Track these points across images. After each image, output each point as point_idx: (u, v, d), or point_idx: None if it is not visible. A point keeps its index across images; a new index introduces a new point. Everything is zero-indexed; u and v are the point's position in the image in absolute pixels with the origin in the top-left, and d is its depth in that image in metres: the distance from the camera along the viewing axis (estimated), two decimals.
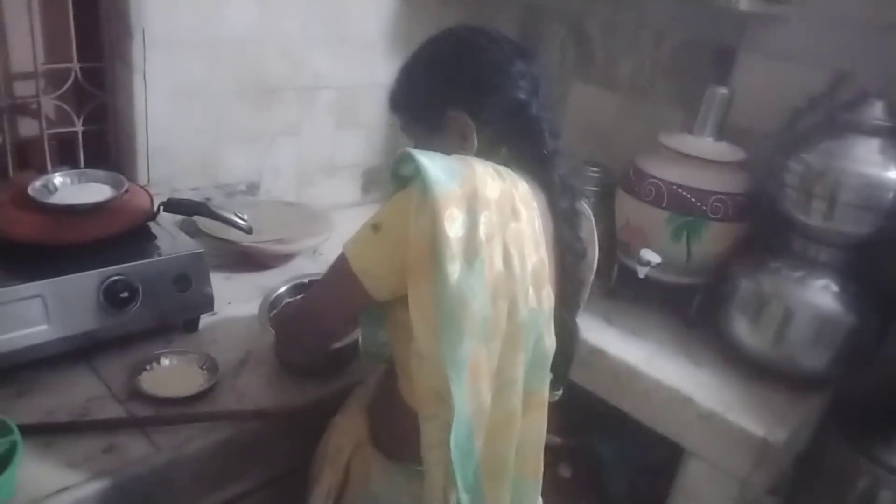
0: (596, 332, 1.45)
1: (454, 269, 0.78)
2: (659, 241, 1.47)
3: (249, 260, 1.50)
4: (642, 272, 1.44)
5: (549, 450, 0.96)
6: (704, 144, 1.50)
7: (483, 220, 0.80)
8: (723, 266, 1.47)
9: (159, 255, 1.19)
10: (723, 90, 1.49)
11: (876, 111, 1.29)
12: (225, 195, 1.66)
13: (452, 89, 0.92)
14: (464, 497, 0.83)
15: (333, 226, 1.61)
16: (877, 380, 1.39)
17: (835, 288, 1.31)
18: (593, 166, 1.70)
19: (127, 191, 1.25)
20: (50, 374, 1.08)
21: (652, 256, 1.43)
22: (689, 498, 1.33)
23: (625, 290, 1.55)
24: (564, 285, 0.94)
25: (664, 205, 1.45)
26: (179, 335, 1.24)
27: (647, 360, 1.38)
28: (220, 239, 1.42)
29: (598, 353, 1.40)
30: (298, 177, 1.81)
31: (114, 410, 1.04)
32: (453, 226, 0.78)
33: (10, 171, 1.42)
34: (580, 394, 1.39)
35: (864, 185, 1.25)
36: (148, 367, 1.13)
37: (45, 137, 1.44)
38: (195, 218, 1.39)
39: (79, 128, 1.48)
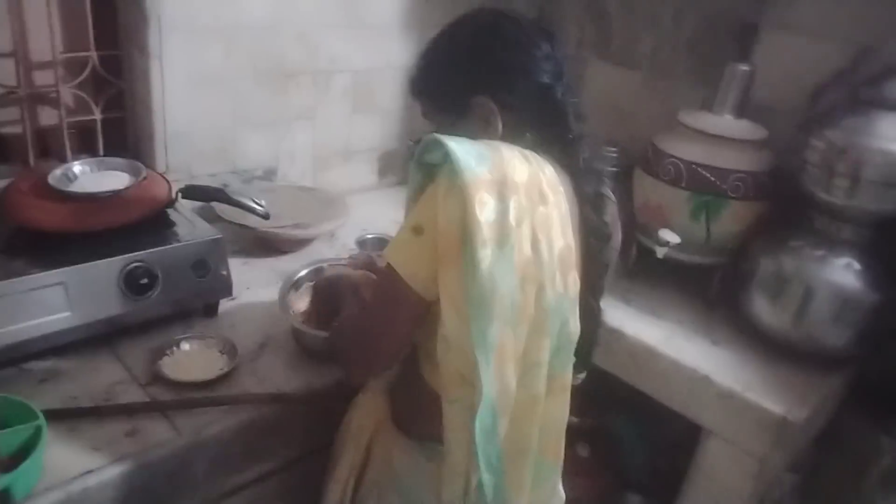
0: (614, 313, 1.44)
1: (486, 255, 0.78)
2: (678, 221, 1.45)
3: (267, 245, 1.51)
4: (661, 252, 1.43)
5: (568, 429, 0.96)
6: (725, 122, 1.47)
7: (513, 204, 0.80)
8: (743, 245, 1.45)
9: (178, 241, 1.20)
10: (744, 67, 1.46)
11: None
12: (242, 181, 1.67)
13: (476, 74, 0.91)
14: (486, 477, 0.84)
15: (349, 210, 1.62)
16: None
17: (857, 266, 1.29)
18: (611, 146, 1.68)
19: (145, 178, 1.26)
20: (73, 360, 1.10)
21: (671, 236, 1.42)
22: (708, 477, 1.33)
23: (643, 270, 1.54)
24: (589, 269, 0.94)
25: (683, 184, 1.43)
26: (199, 320, 1.25)
27: (666, 340, 1.38)
28: (238, 224, 1.43)
29: (616, 334, 1.39)
30: (314, 161, 1.81)
31: (136, 395, 1.06)
32: (484, 211, 0.78)
33: (30, 160, 1.44)
34: (598, 374, 1.38)
35: (888, 162, 1.23)
36: (168, 352, 1.14)
37: (65, 126, 1.46)
38: (213, 204, 1.40)
39: (97, 116, 1.50)
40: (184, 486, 1.01)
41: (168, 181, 1.31)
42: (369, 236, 1.51)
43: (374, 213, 1.75)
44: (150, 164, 1.50)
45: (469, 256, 0.78)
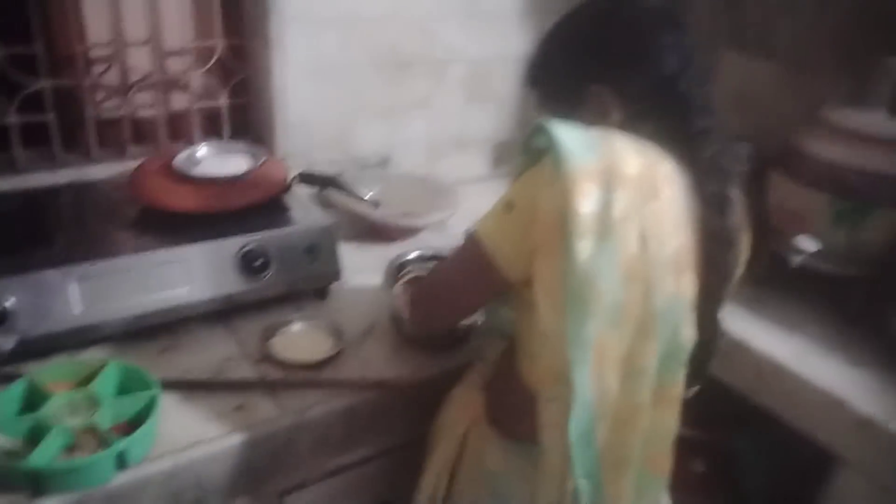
0: (740, 323, 1.33)
1: (584, 247, 0.74)
2: (817, 228, 1.32)
3: (377, 232, 1.52)
4: (796, 261, 1.32)
5: (682, 442, 0.90)
6: (877, 121, 1.33)
7: (619, 197, 0.75)
8: (890, 257, 1.31)
9: (292, 225, 1.23)
10: None
11: None
12: (357, 168, 1.69)
13: (595, 63, 0.86)
14: (582, 482, 0.80)
15: (460, 200, 1.59)
16: None
17: None
18: (742, 143, 1.56)
19: (264, 163, 1.29)
20: (190, 334, 1.14)
21: (808, 244, 1.30)
22: None
23: (775, 279, 1.42)
24: (709, 275, 0.86)
25: (825, 188, 1.30)
26: (309, 302, 1.27)
27: (797, 357, 1.26)
28: (350, 211, 1.45)
29: (740, 345, 1.29)
30: (429, 150, 1.81)
31: (246, 371, 1.09)
32: (586, 201, 0.74)
33: (162, 142, 1.52)
34: (719, 386, 1.29)
35: None
36: (279, 332, 1.17)
37: (194, 110, 1.53)
38: (327, 190, 1.42)
39: (223, 102, 1.56)
40: (285, 464, 1.03)
41: (285, 167, 1.34)
42: None
43: (486, 204, 1.69)
44: (270, 150, 1.55)
45: (567, 248, 0.74)
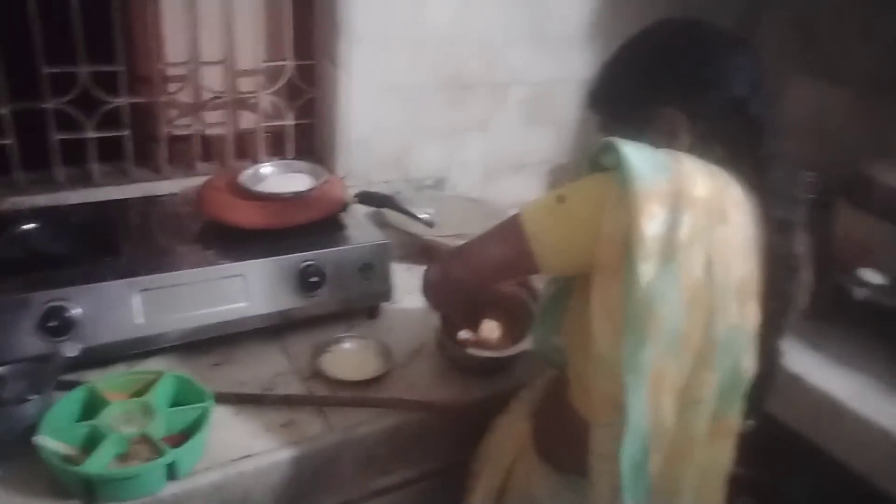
0: (799, 357, 1.29)
1: (647, 270, 0.73)
2: (885, 261, 1.27)
3: (430, 253, 1.53)
4: (860, 294, 1.27)
5: (731, 480, 0.88)
6: None
7: (686, 219, 0.74)
8: None
9: (348, 243, 1.25)
10: None
11: None
12: (414, 189, 1.71)
13: (664, 85, 0.86)
14: None
15: None
16: None
17: None
18: (811, 170, 1.51)
19: (325, 182, 1.33)
20: (244, 348, 1.18)
21: (873, 277, 1.25)
22: None
23: (838, 312, 1.37)
24: (771, 303, 0.83)
25: (894, 218, 1.25)
26: (361, 321, 1.30)
27: (858, 395, 1.21)
28: (405, 231, 1.47)
29: (796, 380, 1.25)
30: (485, 172, 1.82)
31: (296, 387, 1.11)
32: (651, 223, 0.73)
33: (230, 160, 1.58)
34: (772, 423, 1.24)
35: None
36: (330, 350, 1.19)
37: (261, 129, 1.58)
38: (384, 210, 1.45)
39: (290, 121, 1.60)
40: (329, 482, 1.05)
41: (345, 186, 1.37)
42: None
43: None
44: (332, 169, 1.59)
45: (630, 270, 0.74)
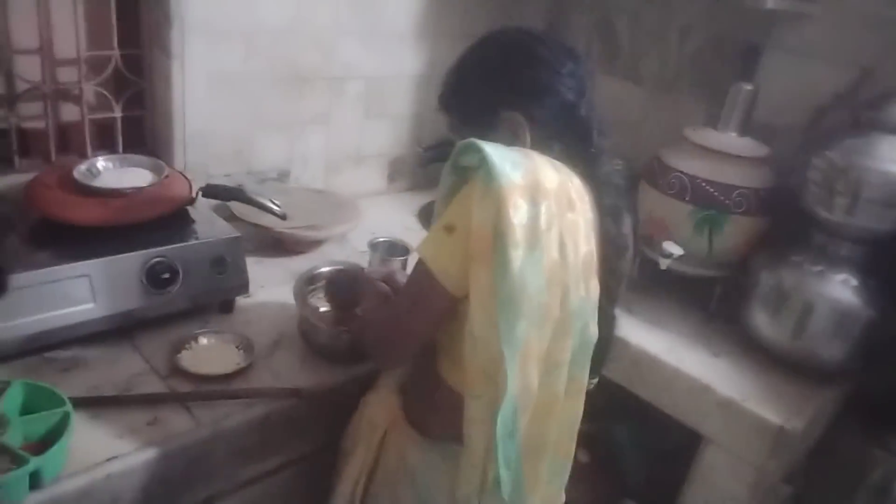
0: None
1: (517, 256, 0.82)
2: (681, 234, 1.49)
3: (281, 245, 1.54)
4: (664, 264, 1.47)
5: None
6: (729, 139, 1.52)
7: (544, 209, 0.84)
8: (744, 259, 1.49)
9: (198, 238, 1.24)
10: (748, 86, 1.51)
11: None
12: (256, 181, 1.70)
13: (506, 90, 0.95)
14: (503, 472, 0.87)
15: (361, 213, 1.65)
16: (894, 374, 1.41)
17: (854, 282, 1.33)
18: (618, 159, 1.72)
19: (167, 176, 1.29)
20: (95, 351, 1.13)
21: (674, 248, 1.45)
22: (706, 484, 1.36)
23: (646, 281, 1.58)
24: (607, 278, 0.97)
25: (687, 198, 1.48)
26: (216, 316, 1.28)
27: (668, 350, 1.42)
28: (254, 224, 1.47)
29: (619, 342, 1.42)
30: (326, 165, 1.85)
31: (156, 386, 1.09)
32: (518, 214, 0.82)
33: (52, 155, 1.47)
34: (600, 380, 1.42)
35: (887, 183, 1.27)
36: (187, 346, 1.17)
37: (86, 122, 1.49)
38: (230, 203, 1.43)
39: (118, 113, 1.53)
40: (201, 475, 1.04)
41: (188, 180, 1.34)
42: (380, 240, 1.54)
43: (385, 217, 1.78)
44: (168, 163, 1.53)
45: (500, 257, 0.82)
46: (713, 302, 1.56)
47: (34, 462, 0.84)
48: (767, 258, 1.44)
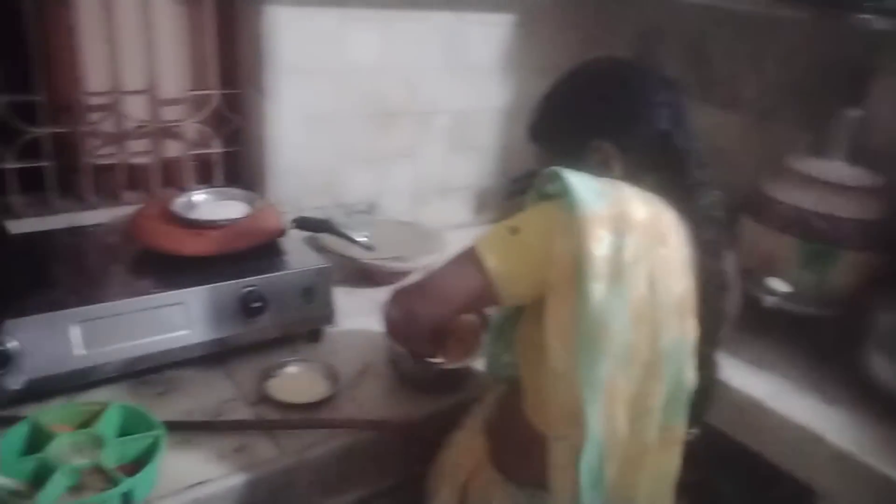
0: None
1: (598, 289, 0.78)
2: (788, 270, 1.40)
3: (367, 276, 1.55)
4: (769, 301, 1.38)
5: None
6: (837, 168, 1.42)
7: (630, 242, 0.80)
8: (858, 298, 1.38)
9: (288, 269, 1.26)
10: (856, 112, 1.41)
11: None
12: (345, 214, 1.72)
13: (597, 119, 0.92)
14: None
15: (446, 244, 1.64)
16: None
17: None
18: (715, 191, 1.65)
19: (261, 208, 1.33)
20: (189, 376, 1.16)
21: (780, 285, 1.36)
22: None
23: (749, 320, 1.48)
24: (706, 319, 0.90)
25: (795, 231, 1.38)
26: (304, 345, 1.30)
27: (774, 395, 1.31)
28: (341, 255, 1.48)
29: (720, 386, 1.34)
30: (413, 197, 1.86)
31: (244, 413, 1.10)
32: (600, 245, 0.78)
33: (156, 189, 1.54)
34: (701, 426, 1.33)
35: None
36: (275, 374, 1.19)
37: (188, 158, 1.56)
38: (320, 235, 1.46)
39: (217, 149, 1.59)
40: None
41: (280, 211, 1.37)
42: None
43: None
44: (262, 196, 1.58)
45: (581, 290, 0.78)
46: (825, 344, 1.45)
47: (127, 483, 0.86)
48: (885, 297, 1.32)
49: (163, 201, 1.32)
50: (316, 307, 1.27)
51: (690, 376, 0.87)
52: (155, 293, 1.12)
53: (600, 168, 0.91)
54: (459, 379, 1.22)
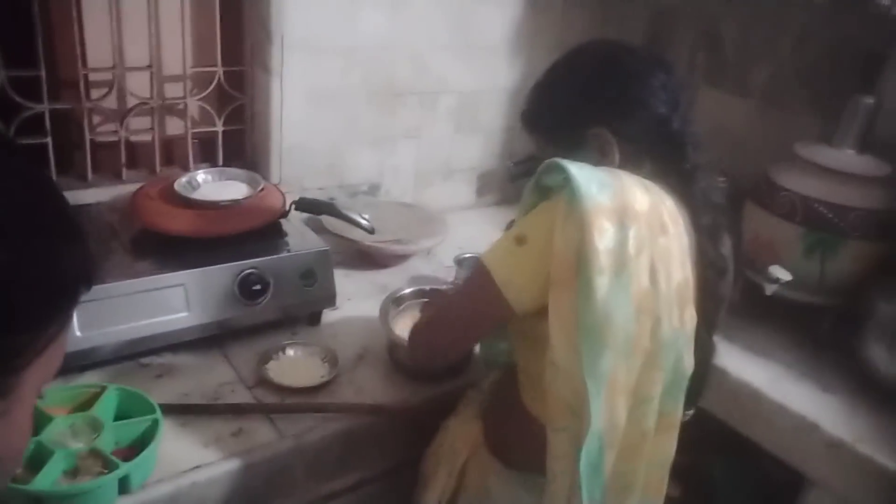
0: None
1: (602, 283, 0.77)
2: (790, 258, 1.39)
3: (368, 258, 1.55)
4: (770, 289, 1.38)
5: None
6: (846, 157, 1.40)
7: (633, 233, 0.79)
8: (859, 287, 1.37)
9: (289, 251, 1.25)
10: (868, 99, 1.39)
11: None
12: (348, 195, 1.72)
13: (593, 105, 0.91)
14: None
15: (448, 228, 1.64)
16: None
17: None
18: (720, 176, 1.63)
19: (263, 189, 1.32)
20: (187, 359, 1.16)
21: (781, 273, 1.36)
22: None
23: (749, 307, 1.48)
24: (705, 304, 0.90)
25: (798, 219, 1.37)
26: (303, 328, 1.30)
27: (772, 383, 1.31)
28: (343, 237, 1.48)
29: (717, 372, 1.33)
30: (416, 179, 1.85)
31: (242, 396, 1.11)
32: (603, 238, 0.78)
33: (157, 167, 1.54)
34: (696, 411, 1.34)
35: None
36: (274, 357, 1.19)
37: (189, 136, 1.55)
38: (321, 217, 1.45)
39: (219, 128, 1.58)
40: (282, 488, 1.05)
41: (283, 193, 1.37)
42: (467, 255, 1.52)
43: (472, 232, 1.76)
44: (265, 176, 1.57)
45: (584, 283, 0.77)
46: (824, 332, 1.44)
47: (125, 468, 0.86)
48: (886, 287, 1.32)
49: (162, 181, 1.31)
50: (316, 290, 1.27)
51: (689, 364, 0.87)
52: (154, 274, 1.12)
53: (597, 156, 0.90)
54: (455, 367, 1.22)
